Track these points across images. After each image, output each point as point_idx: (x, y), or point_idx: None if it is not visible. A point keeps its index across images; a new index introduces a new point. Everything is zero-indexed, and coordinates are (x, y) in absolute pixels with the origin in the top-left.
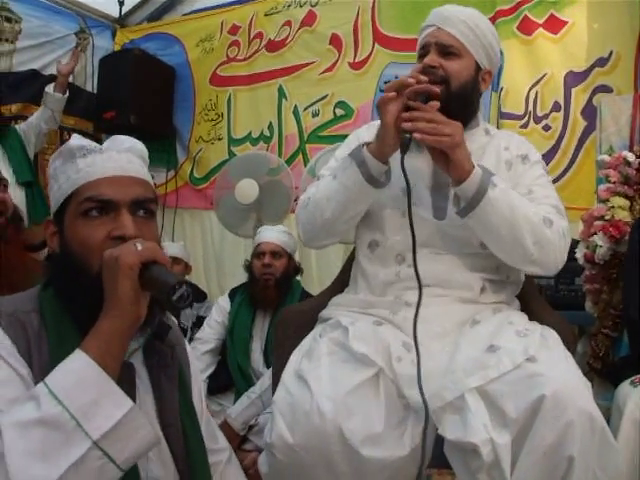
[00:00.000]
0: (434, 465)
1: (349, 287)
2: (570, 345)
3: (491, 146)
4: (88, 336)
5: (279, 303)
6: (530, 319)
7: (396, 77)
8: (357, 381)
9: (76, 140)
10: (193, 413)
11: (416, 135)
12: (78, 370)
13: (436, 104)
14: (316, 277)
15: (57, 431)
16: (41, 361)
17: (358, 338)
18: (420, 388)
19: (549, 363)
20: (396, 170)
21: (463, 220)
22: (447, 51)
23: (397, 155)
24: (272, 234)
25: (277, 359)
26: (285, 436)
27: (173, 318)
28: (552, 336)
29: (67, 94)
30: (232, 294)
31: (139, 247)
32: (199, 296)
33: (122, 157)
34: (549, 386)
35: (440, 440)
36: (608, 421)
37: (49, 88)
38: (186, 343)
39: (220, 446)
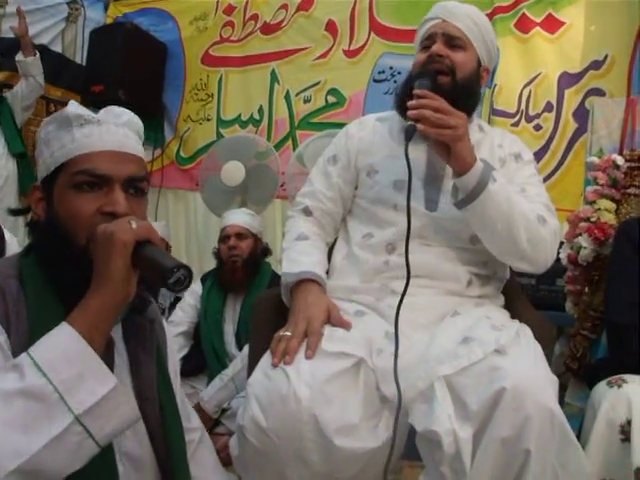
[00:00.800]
0: (406, 457)
1: (333, 274)
2: (548, 344)
3: (485, 142)
4: (75, 310)
5: (249, 285)
6: (511, 317)
7: (391, 68)
8: (336, 369)
9: (73, 107)
10: (170, 388)
11: (419, 126)
12: (64, 343)
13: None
14: None
15: (39, 403)
16: (19, 328)
17: (335, 337)
18: (396, 378)
19: (515, 358)
20: (389, 162)
21: (455, 213)
22: (453, 43)
23: (393, 144)
24: (236, 217)
25: (254, 343)
26: (258, 419)
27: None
28: (526, 334)
29: (37, 54)
30: (204, 278)
31: (134, 225)
32: None
33: (119, 131)
34: (510, 379)
35: (413, 432)
36: (582, 422)
37: (19, 56)
38: (163, 320)
39: (193, 425)
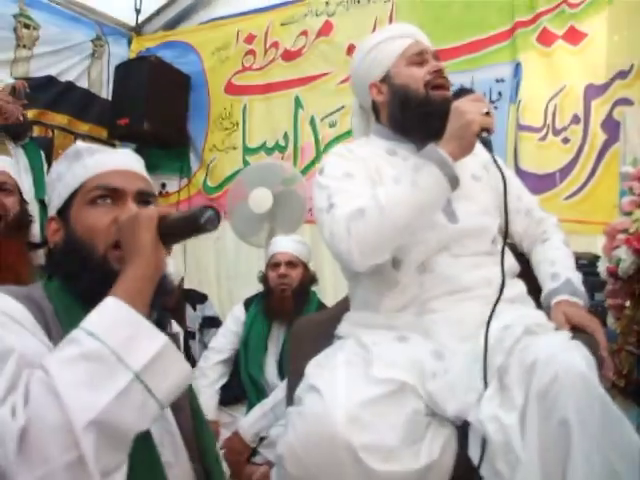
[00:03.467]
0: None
1: (366, 305)
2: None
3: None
4: (115, 285)
5: (296, 314)
6: None
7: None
8: (373, 394)
9: (82, 143)
10: (196, 397)
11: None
12: (111, 311)
13: None
14: (330, 287)
15: (100, 364)
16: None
17: (383, 363)
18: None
19: (548, 336)
20: None
21: (474, 219)
22: (437, 59)
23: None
24: (287, 244)
25: (292, 372)
26: (294, 447)
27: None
28: (564, 331)
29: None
30: (247, 304)
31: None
32: (200, 298)
33: (126, 157)
34: (542, 352)
35: (461, 458)
36: None
37: None
38: (182, 337)
39: None
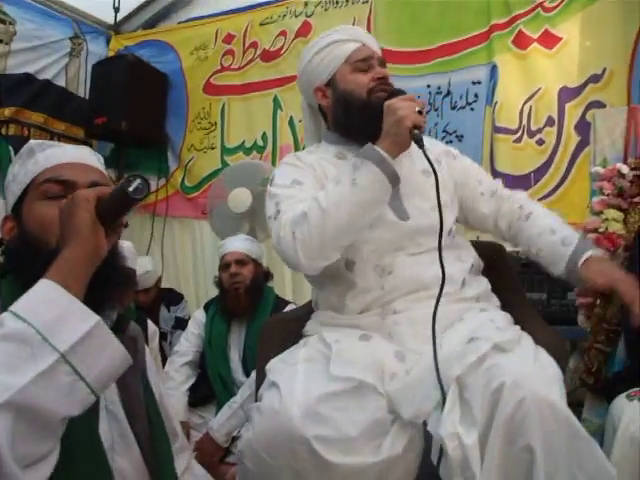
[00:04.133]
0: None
1: (330, 306)
2: (562, 360)
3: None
4: (50, 268)
5: (253, 311)
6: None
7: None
8: (332, 390)
9: (34, 140)
10: (156, 405)
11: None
12: (41, 292)
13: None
14: (289, 282)
15: (22, 345)
16: None
17: (341, 361)
18: (438, 376)
19: (516, 356)
20: None
21: (425, 216)
22: (382, 64)
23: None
24: (235, 243)
25: (259, 370)
26: (252, 443)
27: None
28: (527, 338)
29: None
30: (206, 306)
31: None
32: (176, 298)
33: (79, 150)
34: (509, 375)
35: (428, 455)
36: (601, 438)
37: None
38: (143, 340)
39: (179, 445)
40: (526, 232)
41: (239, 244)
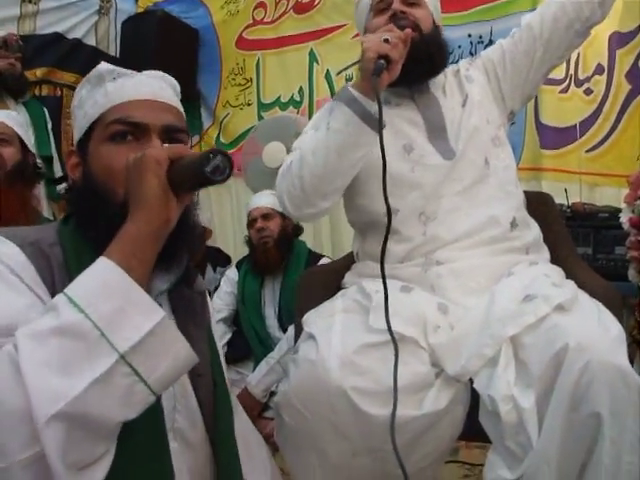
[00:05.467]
0: (465, 437)
1: (370, 256)
2: (618, 313)
3: (448, 83)
4: (111, 243)
5: (285, 266)
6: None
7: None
8: (372, 340)
9: (105, 64)
10: (221, 365)
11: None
12: (100, 276)
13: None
14: (327, 236)
15: (78, 341)
16: None
17: (382, 312)
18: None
19: (578, 315)
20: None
21: (472, 153)
22: (410, 1)
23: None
24: (260, 199)
25: (297, 324)
26: (289, 396)
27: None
28: (583, 294)
29: None
30: (238, 265)
31: (166, 146)
32: (223, 259)
33: (154, 82)
34: (574, 336)
35: (475, 410)
36: None
37: None
38: (208, 296)
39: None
40: None
41: (264, 199)
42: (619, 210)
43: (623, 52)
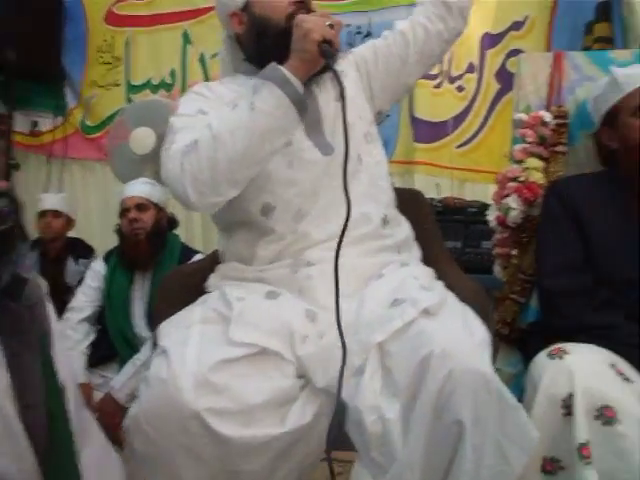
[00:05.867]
0: (335, 447)
1: (237, 257)
2: (487, 313)
3: (321, 76)
4: None
5: (157, 261)
6: (438, 279)
7: None
8: (230, 356)
9: None
10: (60, 392)
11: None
12: None
13: None
14: (199, 230)
15: None
16: None
17: (243, 323)
18: (340, 332)
19: (444, 320)
20: None
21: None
22: None
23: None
24: (135, 187)
25: (154, 335)
26: (139, 421)
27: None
28: (452, 296)
29: None
30: (107, 257)
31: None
32: (85, 251)
33: None
34: (438, 343)
35: (343, 418)
36: (515, 389)
37: None
38: (48, 301)
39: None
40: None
41: (139, 187)
42: (487, 205)
43: (493, 52)
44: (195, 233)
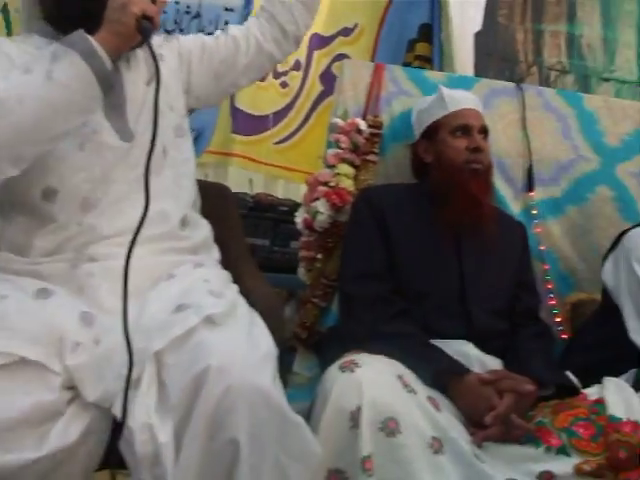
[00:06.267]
0: (109, 465)
1: (13, 246)
2: (275, 317)
3: (134, 54)
4: None
5: None
6: (235, 281)
7: None
8: None
9: None
10: None
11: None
12: None
13: None
14: None
15: None
16: None
17: (2, 327)
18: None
19: (227, 332)
20: None
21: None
22: None
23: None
24: None
25: None
26: None
27: None
28: (243, 304)
29: None
30: None
31: None
32: None
33: None
34: (216, 357)
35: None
36: (309, 391)
37: None
38: None
39: None
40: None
41: None
42: (299, 205)
43: (320, 54)
44: None
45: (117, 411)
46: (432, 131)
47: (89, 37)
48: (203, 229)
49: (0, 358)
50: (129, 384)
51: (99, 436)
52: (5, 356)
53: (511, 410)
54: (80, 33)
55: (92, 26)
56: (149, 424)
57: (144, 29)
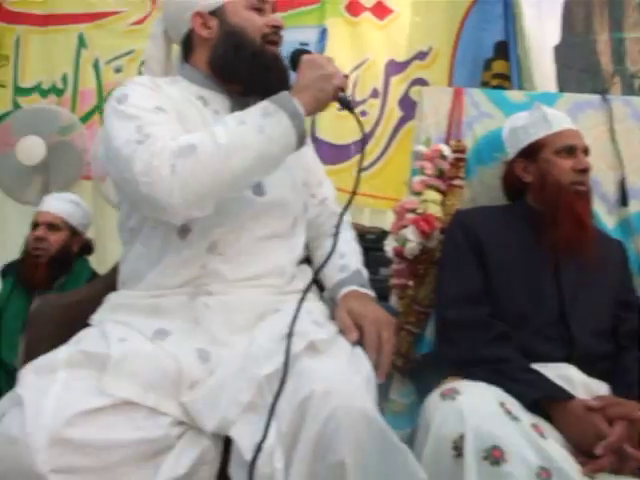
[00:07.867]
0: None
1: (133, 277)
2: None
3: None
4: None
5: (58, 286)
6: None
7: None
8: (97, 404)
9: None
10: None
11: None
12: None
13: None
14: (112, 258)
15: None
16: None
17: (120, 373)
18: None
19: (329, 359)
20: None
21: (282, 193)
22: (274, 11)
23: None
24: (53, 203)
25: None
26: None
27: None
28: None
29: None
30: (5, 272)
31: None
32: None
33: None
34: (320, 382)
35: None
36: (406, 418)
37: None
38: None
39: None
40: (321, 250)
41: (58, 204)
42: (386, 232)
43: (397, 79)
44: (108, 259)
45: (236, 434)
46: (533, 150)
47: (295, 100)
48: (307, 273)
49: (113, 399)
50: (266, 432)
51: (210, 465)
52: (117, 398)
53: (623, 439)
54: (286, 95)
55: (250, 84)
56: (268, 448)
57: (344, 99)
